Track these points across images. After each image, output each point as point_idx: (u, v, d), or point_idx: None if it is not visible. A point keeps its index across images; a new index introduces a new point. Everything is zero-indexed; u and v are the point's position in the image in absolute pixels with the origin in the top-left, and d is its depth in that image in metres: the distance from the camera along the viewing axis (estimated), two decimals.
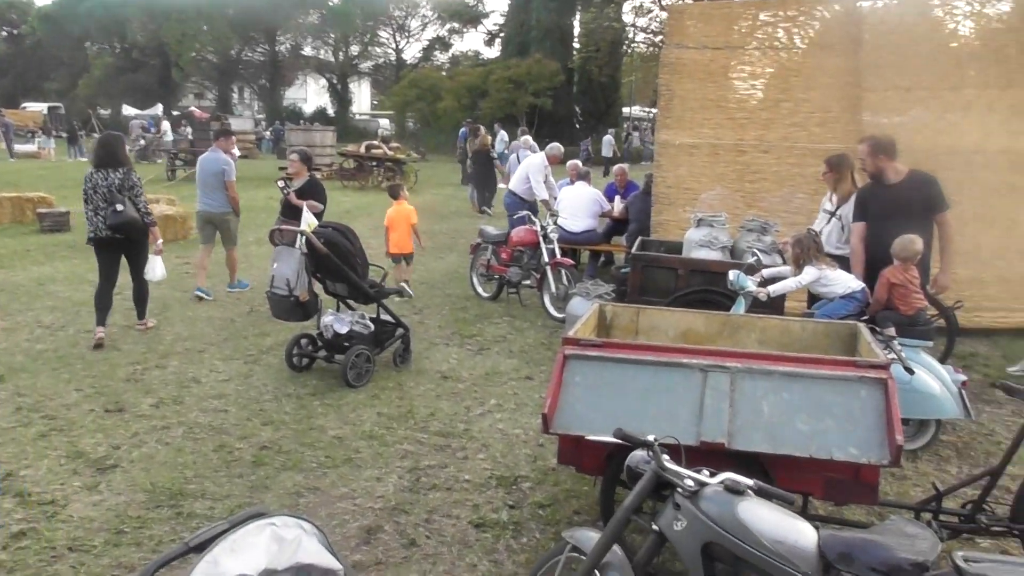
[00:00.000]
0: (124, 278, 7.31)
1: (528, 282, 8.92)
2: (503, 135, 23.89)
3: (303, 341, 6.48)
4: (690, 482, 2.48)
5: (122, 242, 7.04)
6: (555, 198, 10.29)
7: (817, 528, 2.40)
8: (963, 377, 4.90)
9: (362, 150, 23.19)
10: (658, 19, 36.52)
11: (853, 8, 8.63)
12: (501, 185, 16.20)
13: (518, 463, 4.87)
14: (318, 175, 8.99)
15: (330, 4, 52.16)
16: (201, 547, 1.83)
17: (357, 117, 57.15)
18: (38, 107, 45.19)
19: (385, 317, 6.64)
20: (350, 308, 6.67)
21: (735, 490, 2.44)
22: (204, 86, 57.02)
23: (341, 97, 56.19)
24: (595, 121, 41.50)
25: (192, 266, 10.15)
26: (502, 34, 47.51)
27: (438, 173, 26.91)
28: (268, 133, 42.27)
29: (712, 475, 2.53)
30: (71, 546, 3.79)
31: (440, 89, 41.24)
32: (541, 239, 8.66)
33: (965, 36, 8.40)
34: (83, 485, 4.42)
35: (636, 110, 45.45)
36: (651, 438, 2.57)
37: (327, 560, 1.95)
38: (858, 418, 3.29)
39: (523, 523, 4.12)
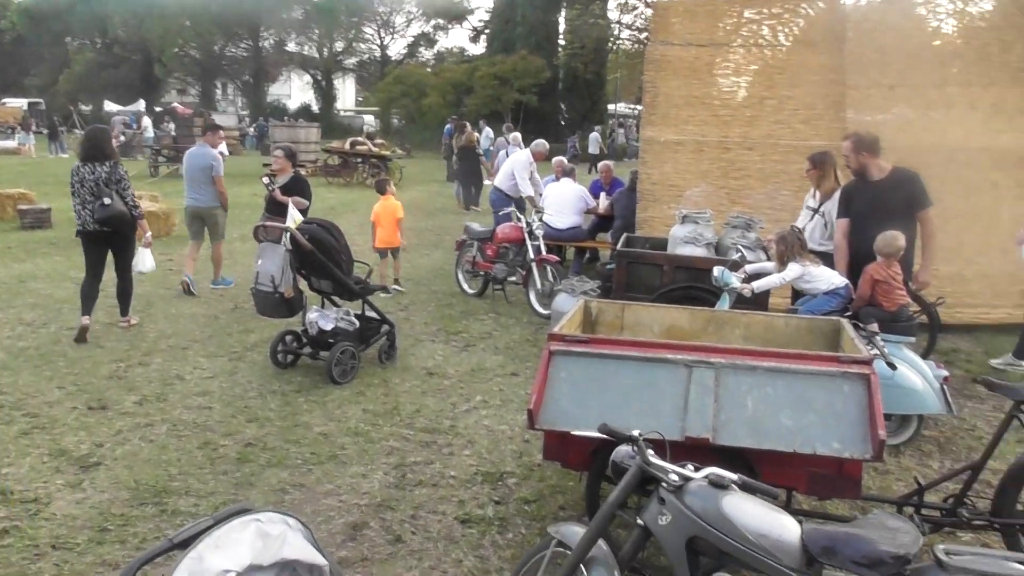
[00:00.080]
0: (108, 274, 7.26)
1: (514, 279, 8.92)
2: (488, 132, 23.87)
3: (288, 338, 6.46)
4: (675, 477, 2.49)
5: (110, 236, 7.03)
6: (540, 195, 10.29)
7: (800, 522, 2.42)
8: (945, 373, 4.95)
9: (347, 147, 23.12)
10: (643, 16, 36.68)
11: (837, 6, 8.69)
12: (487, 182, 16.20)
13: (504, 459, 4.87)
14: (302, 171, 8.95)
15: (314, 0, 51.89)
16: (185, 543, 1.82)
17: (342, 113, 56.88)
18: (18, 103, 44.63)
19: (370, 314, 6.62)
20: (335, 305, 6.65)
21: (719, 485, 2.45)
22: (187, 82, 56.53)
23: (325, 93, 55.90)
24: (580, 118, 41.52)
25: (176, 263, 10.09)
26: (487, 31, 47.42)
27: (423, 170, 26.85)
28: (252, 129, 42.01)
29: (697, 470, 2.54)
30: (54, 544, 3.77)
31: (425, 86, 41.13)
32: (527, 236, 8.66)
33: (948, 34, 8.48)
34: (66, 483, 4.39)
35: (621, 107, 45.50)
36: (636, 433, 2.58)
37: (312, 556, 1.95)
38: (841, 413, 3.32)
39: (509, 519, 4.13)
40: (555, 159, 11.22)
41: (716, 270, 5.55)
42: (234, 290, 9.02)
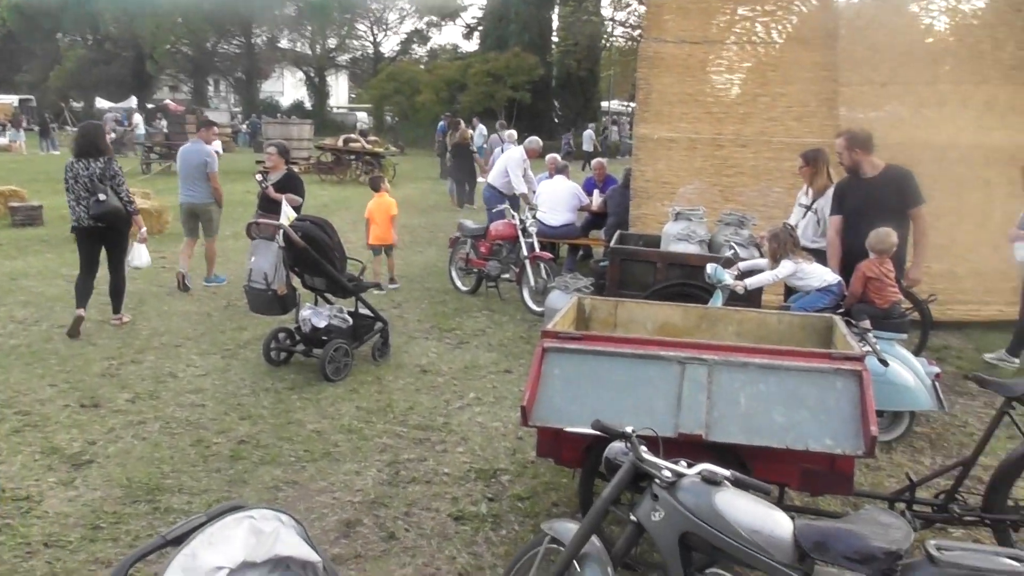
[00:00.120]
0: (101, 271, 7.24)
1: (507, 276, 8.93)
2: (482, 129, 23.85)
3: (281, 335, 6.45)
4: (668, 473, 2.49)
5: (104, 232, 7.03)
6: (534, 192, 10.29)
7: (793, 518, 2.43)
8: (936, 369, 4.96)
9: (340, 144, 23.06)
10: (636, 13, 36.66)
11: (830, 3, 8.71)
12: (481, 179, 16.19)
13: (497, 456, 4.88)
14: (295, 169, 8.95)
15: None
16: (178, 540, 1.82)
17: (335, 110, 56.77)
18: (9, 99, 44.34)
19: (364, 311, 6.62)
20: (328, 302, 6.64)
21: (712, 481, 2.46)
22: (179, 79, 56.31)
23: (318, 90, 55.75)
24: (574, 115, 41.51)
25: (168, 260, 10.06)
26: (480, 28, 47.35)
27: (417, 167, 26.82)
28: (245, 126, 41.88)
29: (690, 466, 2.54)
30: (46, 542, 3.76)
31: (418, 83, 41.03)
32: (520, 233, 8.66)
33: (940, 32, 8.50)
34: (58, 481, 4.37)
35: (615, 104, 45.51)
36: (629, 430, 2.59)
37: (306, 552, 1.95)
38: (833, 409, 3.33)
39: (502, 515, 4.13)
40: (548, 156, 11.21)
41: (709, 267, 5.57)
42: (227, 287, 9.00)
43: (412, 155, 32.68)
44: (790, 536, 2.34)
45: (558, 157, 11.34)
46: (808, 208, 6.45)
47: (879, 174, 5.77)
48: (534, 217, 8.98)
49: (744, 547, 2.34)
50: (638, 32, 31.59)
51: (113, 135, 28.80)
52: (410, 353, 6.89)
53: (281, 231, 6.07)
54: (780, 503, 3.69)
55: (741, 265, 5.75)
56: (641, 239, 7.61)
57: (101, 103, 42.74)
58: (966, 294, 8.01)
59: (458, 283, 9.41)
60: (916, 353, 5.66)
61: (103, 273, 7.25)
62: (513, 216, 8.91)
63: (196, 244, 9.13)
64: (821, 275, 5.30)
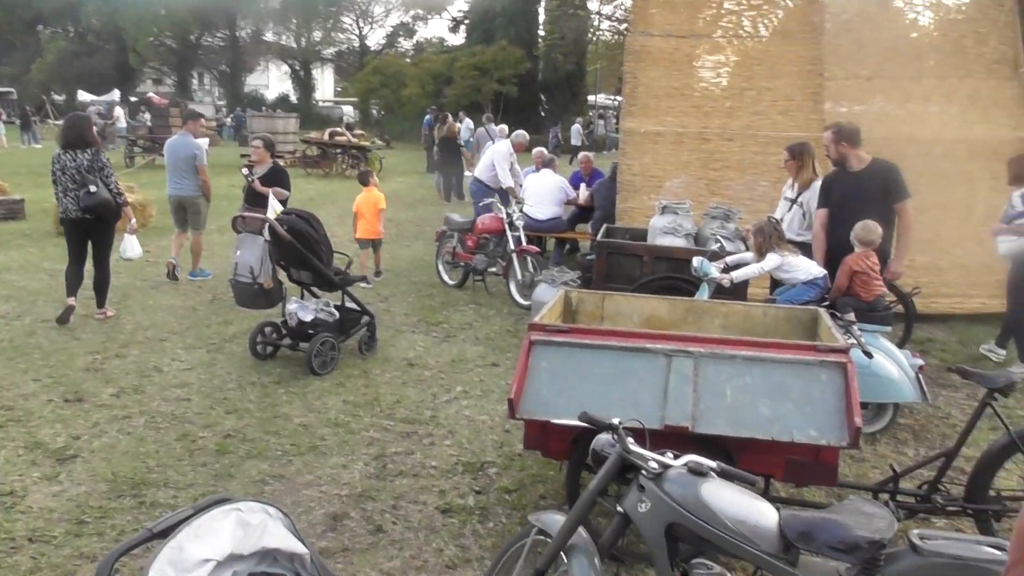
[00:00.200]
0: (87, 264, 7.20)
1: (494, 269, 8.93)
2: (468, 123, 23.81)
3: (267, 329, 6.43)
4: (654, 464, 2.50)
5: (92, 224, 7.00)
6: (520, 186, 10.29)
7: (778, 509, 2.45)
8: (920, 362, 5.01)
9: (326, 137, 22.97)
10: (623, 7, 36.67)
11: None
12: (467, 173, 16.17)
13: (484, 449, 4.88)
14: (281, 162, 8.92)
15: None
16: (165, 533, 1.82)
17: (320, 104, 56.47)
18: None
19: (350, 305, 6.60)
20: (314, 296, 6.62)
21: (698, 472, 2.47)
22: (162, 71, 55.83)
23: (304, 84, 55.47)
24: (561, 109, 41.50)
25: (153, 254, 9.99)
26: (467, 21, 47.24)
27: (403, 161, 26.74)
28: (229, 120, 41.61)
29: (676, 458, 2.55)
30: (31, 537, 3.73)
31: (404, 76, 40.94)
32: (507, 227, 8.66)
33: (924, 27, 8.56)
34: (42, 476, 4.34)
35: (601, 98, 45.53)
36: (616, 421, 2.60)
37: (293, 545, 1.95)
38: (818, 401, 3.35)
39: (489, 508, 4.14)
40: (535, 150, 11.21)
41: (695, 260, 5.59)
42: (212, 281, 8.96)
43: (398, 149, 32.57)
44: (775, 526, 2.36)
45: (544, 151, 11.35)
46: (793, 201, 6.48)
47: (865, 168, 5.81)
48: (521, 211, 8.98)
49: (730, 537, 2.36)
50: (625, 26, 31.60)
51: (95, 128, 28.51)
52: (397, 347, 6.88)
53: (267, 225, 6.05)
54: (766, 494, 3.71)
55: (727, 258, 5.78)
56: (628, 233, 7.63)
57: (83, 96, 42.23)
58: (950, 287, 8.08)
59: (445, 277, 9.40)
60: (900, 346, 5.70)
61: (88, 267, 7.21)
62: (500, 210, 8.91)
63: (186, 235, 9.11)
64: (807, 268, 5.33)
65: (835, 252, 5.57)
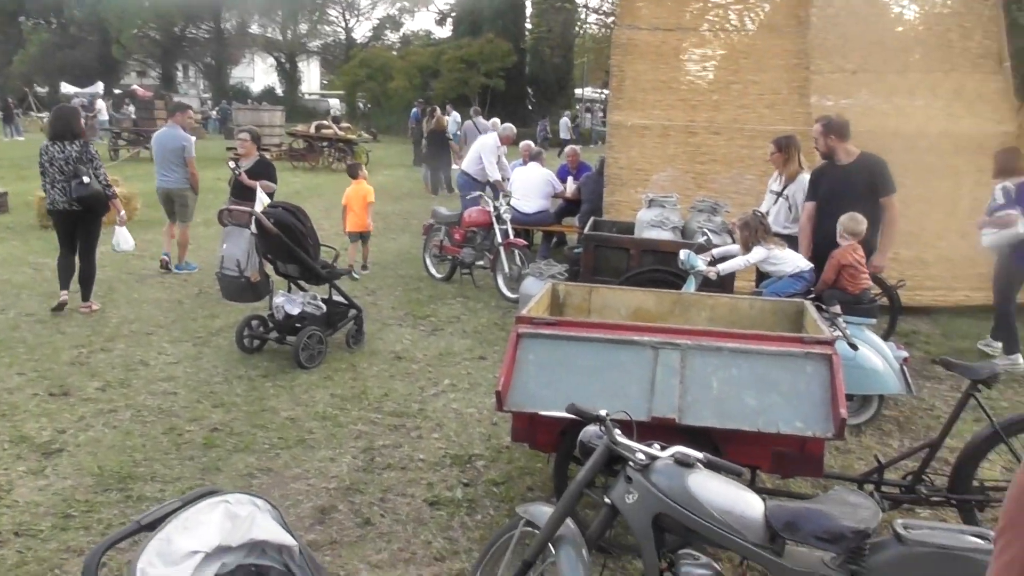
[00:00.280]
0: None
1: (481, 263, 8.93)
2: (455, 116, 23.76)
3: (254, 322, 6.40)
4: (641, 456, 2.51)
5: (81, 215, 7.00)
6: (507, 179, 10.29)
7: (764, 499, 2.47)
8: (905, 354, 5.04)
9: (312, 130, 22.87)
10: (610, 0, 36.63)
11: None
12: (455, 166, 16.15)
13: (472, 442, 4.89)
14: (267, 155, 8.89)
15: None
16: (153, 525, 1.82)
17: (306, 97, 56.18)
18: None
19: (337, 298, 6.59)
20: (302, 289, 6.60)
21: (685, 463, 2.48)
22: (147, 64, 55.32)
23: (290, 76, 55.14)
24: (548, 102, 41.46)
25: (138, 248, 9.90)
26: (453, 14, 47.09)
27: (390, 154, 26.65)
28: (215, 113, 41.33)
29: (663, 449, 2.57)
30: (17, 531, 3.71)
31: (391, 69, 40.74)
32: (494, 220, 8.66)
33: (910, 21, 8.61)
34: (28, 470, 4.32)
35: (588, 91, 45.52)
36: (603, 413, 2.61)
37: (282, 536, 1.95)
38: (804, 393, 3.37)
39: (477, 500, 4.15)
40: (522, 143, 11.21)
41: (682, 253, 5.61)
42: (199, 275, 8.92)
43: (385, 142, 32.45)
44: (761, 517, 2.38)
45: (532, 144, 11.34)
46: (779, 195, 6.51)
47: (853, 161, 5.85)
48: (508, 204, 8.98)
49: (716, 528, 2.38)
50: (612, 19, 31.58)
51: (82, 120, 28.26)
52: (384, 340, 6.87)
53: (254, 218, 6.02)
54: (752, 485, 3.74)
55: (714, 251, 5.80)
56: (615, 226, 7.65)
57: (66, 88, 41.83)
58: (934, 280, 8.14)
59: (432, 270, 9.39)
60: (885, 338, 5.75)
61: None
62: (487, 203, 8.90)
63: (176, 227, 9.10)
64: (794, 261, 5.37)
65: (821, 245, 5.61)
